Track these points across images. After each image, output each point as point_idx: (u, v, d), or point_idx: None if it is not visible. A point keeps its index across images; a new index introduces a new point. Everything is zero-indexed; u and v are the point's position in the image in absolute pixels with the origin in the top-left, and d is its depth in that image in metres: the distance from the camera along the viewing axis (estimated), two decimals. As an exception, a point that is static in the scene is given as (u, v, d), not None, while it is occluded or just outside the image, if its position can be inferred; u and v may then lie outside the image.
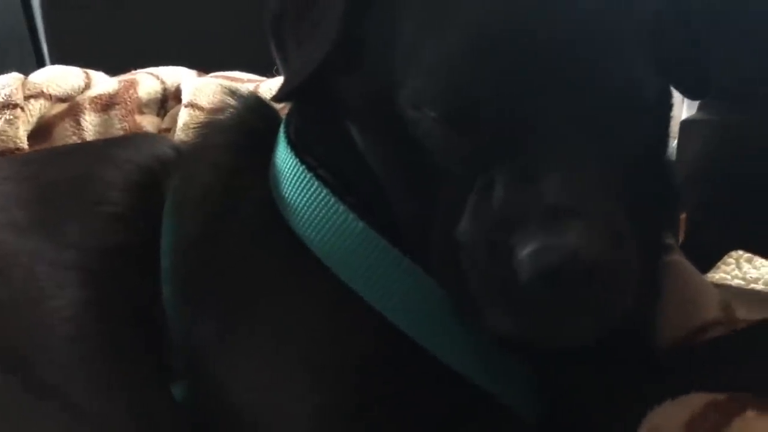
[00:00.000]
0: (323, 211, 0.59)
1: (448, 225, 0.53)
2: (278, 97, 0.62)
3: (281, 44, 0.63)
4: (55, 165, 0.75)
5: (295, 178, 0.61)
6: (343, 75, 0.59)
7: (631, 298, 0.50)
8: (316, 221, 0.59)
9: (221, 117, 0.71)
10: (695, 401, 0.57)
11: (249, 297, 0.61)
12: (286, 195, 0.61)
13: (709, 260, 0.77)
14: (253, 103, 0.71)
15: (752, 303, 0.73)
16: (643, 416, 0.58)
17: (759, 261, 0.92)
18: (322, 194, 0.59)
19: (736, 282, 0.90)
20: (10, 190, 0.70)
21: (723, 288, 0.78)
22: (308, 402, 0.56)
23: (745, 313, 0.68)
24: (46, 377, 0.61)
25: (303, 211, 0.60)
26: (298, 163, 0.61)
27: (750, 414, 0.55)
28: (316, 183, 0.59)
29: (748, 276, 0.90)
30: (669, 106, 0.59)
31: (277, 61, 0.65)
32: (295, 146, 0.63)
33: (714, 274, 0.88)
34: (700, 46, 0.59)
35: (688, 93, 0.64)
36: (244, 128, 0.69)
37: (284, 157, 0.63)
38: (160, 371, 0.63)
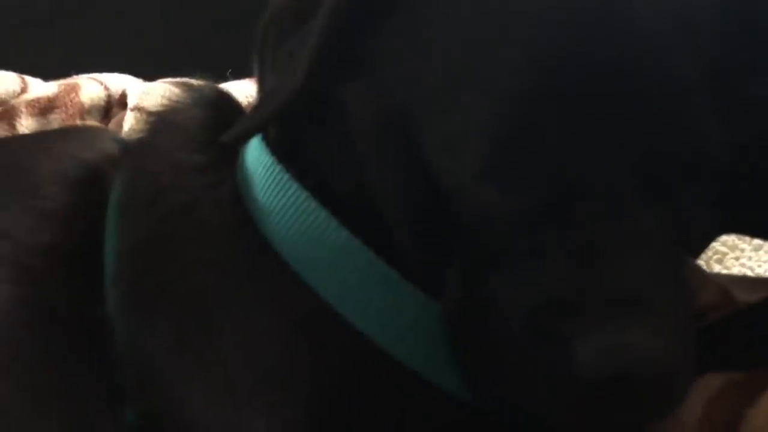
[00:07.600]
0: (302, 217, 0.55)
1: (473, 275, 0.49)
2: (241, 133, 0.58)
3: (261, 59, 0.60)
4: None
5: (271, 178, 0.57)
6: (349, 81, 0.54)
7: (685, 393, 0.49)
8: (293, 227, 0.55)
9: (176, 108, 0.67)
10: (712, 383, 0.57)
11: (209, 304, 0.57)
12: (260, 197, 0.58)
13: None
14: (212, 95, 0.67)
15: (748, 286, 0.70)
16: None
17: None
18: (302, 197, 0.56)
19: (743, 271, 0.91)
20: None
21: (719, 276, 0.78)
22: (276, 417, 0.54)
23: (743, 296, 0.67)
24: None
25: (277, 213, 0.56)
26: (275, 162, 0.58)
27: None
28: (295, 185, 0.56)
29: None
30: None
31: (256, 77, 0.62)
32: (269, 144, 0.59)
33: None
34: None
35: None
36: (204, 122, 0.64)
37: (257, 155, 0.60)
38: (108, 391, 0.58)
